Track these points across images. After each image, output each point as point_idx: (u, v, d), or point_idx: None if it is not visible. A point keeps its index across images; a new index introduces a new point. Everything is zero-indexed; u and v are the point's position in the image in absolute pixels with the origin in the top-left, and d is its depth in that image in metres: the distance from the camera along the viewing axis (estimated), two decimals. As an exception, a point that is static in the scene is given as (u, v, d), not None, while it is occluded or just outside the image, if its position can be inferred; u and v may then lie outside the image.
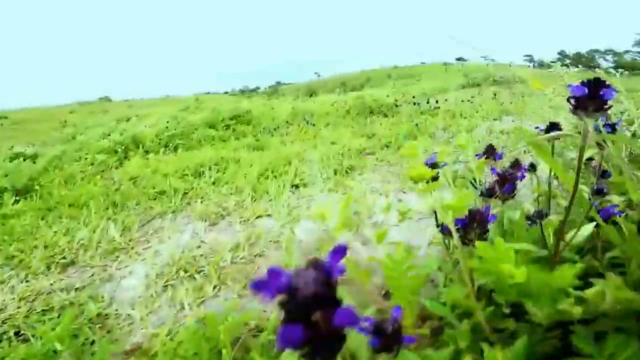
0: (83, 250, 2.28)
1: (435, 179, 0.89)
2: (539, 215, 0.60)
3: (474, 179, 1.04)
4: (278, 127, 5.48)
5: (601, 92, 0.57)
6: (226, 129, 5.30)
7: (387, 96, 8.34)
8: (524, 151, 3.77)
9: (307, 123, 5.58)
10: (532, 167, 1.38)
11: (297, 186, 2.61)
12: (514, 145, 3.93)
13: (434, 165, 0.81)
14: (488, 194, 0.71)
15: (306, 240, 1.94)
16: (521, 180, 0.75)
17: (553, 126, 1.02)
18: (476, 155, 1.12)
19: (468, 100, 7.14)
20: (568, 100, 0.61)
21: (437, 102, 6.53)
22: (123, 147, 4.82)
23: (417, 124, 4.51)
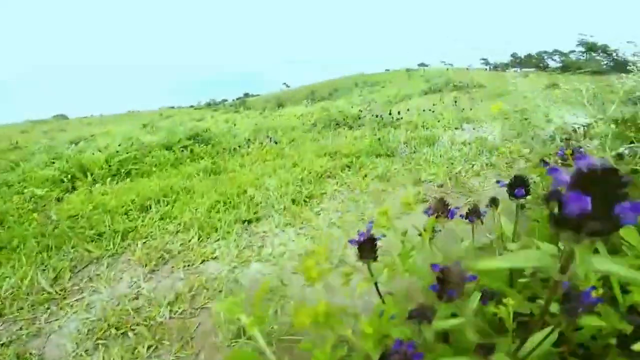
0: (11, 300, 2.06)
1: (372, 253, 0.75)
2: (485, 351, 0.46)
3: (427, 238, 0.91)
4: (239, 147, 5.26)
5: (614, 208, 0.31)
6: (183, 150, 5.01)
7: (352, 107, 8.32)
8: (486, 164, 3.78)
9: (270, 140, 5.38)
10: (494, 202, 1.24)
11: (249, 221, 2.41)
12: (475, 157, 3.91)
13: (367, 244, 0.65)
14: (419, 315, 0.54)
15: (255, 287, 1.75)
16: (471, 280, 0.56)
17: (517, 180, 0.90)
18: (425, 211, 0.99)
19: (430, 110, 7.22)
20: (547, 200, 0.37)
21: (399, 112, 6.53)
22: (69, 176, 4.44)
23: (379, 139, 4.44)
